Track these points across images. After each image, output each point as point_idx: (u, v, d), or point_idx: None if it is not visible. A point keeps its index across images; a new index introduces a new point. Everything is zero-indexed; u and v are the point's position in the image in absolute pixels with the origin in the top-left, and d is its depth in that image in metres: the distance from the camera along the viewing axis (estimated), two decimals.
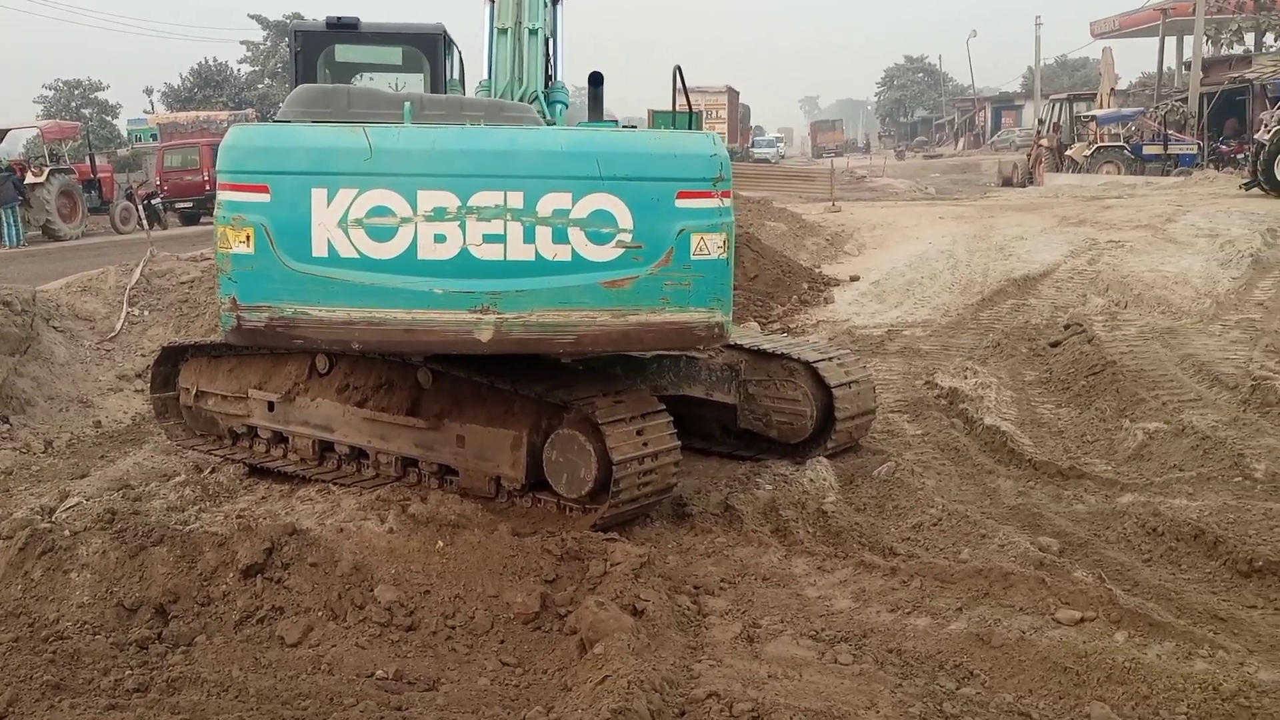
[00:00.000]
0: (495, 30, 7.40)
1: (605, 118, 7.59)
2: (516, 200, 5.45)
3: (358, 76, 8.80)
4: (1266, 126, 24.80)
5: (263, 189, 5.50)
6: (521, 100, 7.19)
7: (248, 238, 5.50)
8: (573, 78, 8.13)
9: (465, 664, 4.84)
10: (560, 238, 5.49)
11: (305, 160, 5.49)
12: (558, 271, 5.51)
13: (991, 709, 4.25)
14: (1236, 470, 6.91)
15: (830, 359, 7.62)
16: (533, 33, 7.35)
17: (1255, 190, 23.56)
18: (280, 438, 7.51)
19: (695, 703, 4.20)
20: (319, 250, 5.50)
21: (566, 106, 7.70)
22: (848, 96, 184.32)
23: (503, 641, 5.01)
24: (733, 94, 61.86)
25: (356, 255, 5.48)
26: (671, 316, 5.63)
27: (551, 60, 8.00)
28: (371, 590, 5.24)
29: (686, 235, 5.55)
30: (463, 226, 5.45)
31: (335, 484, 7.01)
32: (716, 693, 4.22)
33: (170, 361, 8.01)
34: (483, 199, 5.45)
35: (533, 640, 5.02)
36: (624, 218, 5.52)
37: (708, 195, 5.59)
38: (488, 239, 5.46)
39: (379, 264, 5.48)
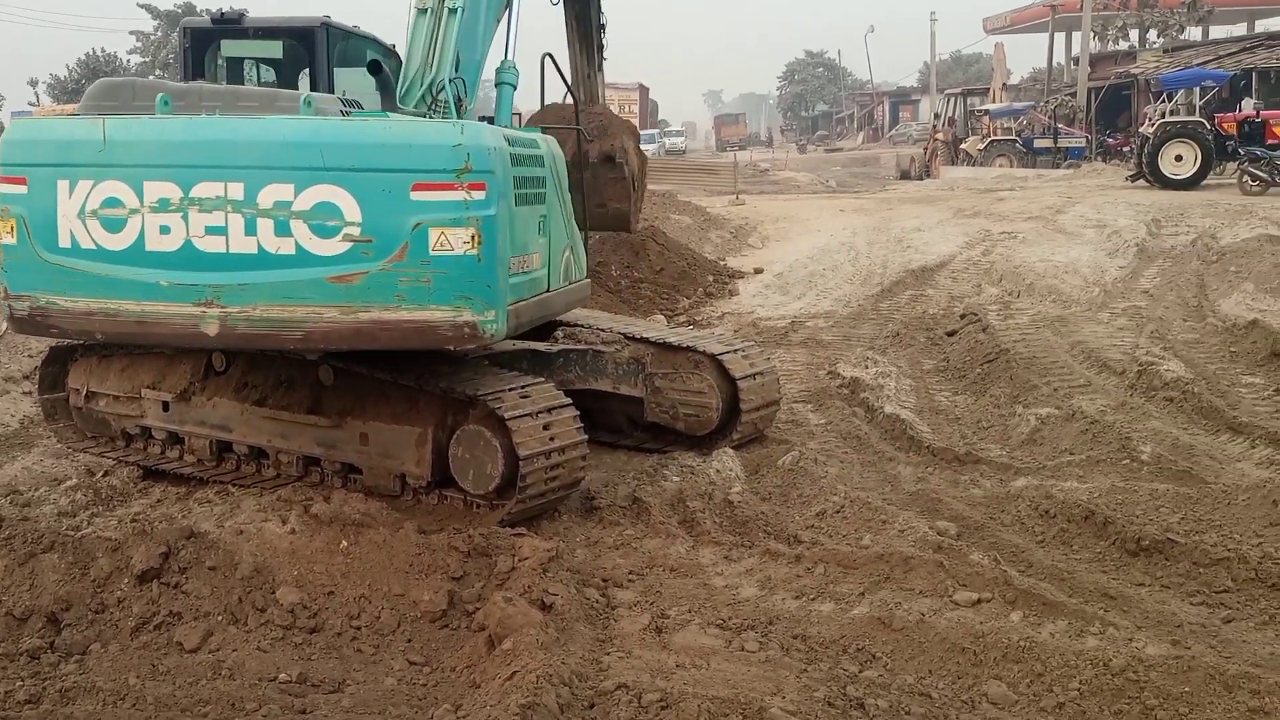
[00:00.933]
0: (415, 9, 7.18)
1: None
2: (237, 191, 5.40)
3: (247, 69, 8.62)
4: (1150, 120, 25.71)
5: (21, 181, 5.61)
6: (430, 87, 7.02)
7: (12, 229, 5.61)
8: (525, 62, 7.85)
9: (371, 664, 4.78)
10: (283, 230, 5.40)
11: (53, 153, 5.57)
12: (281, 265, 5.43)
13: (894, 690, 4.35)
14: (1124, 453, 7.17)
15: (735, 351, 7.71)
16: (452, 12, 7.09)
17: (1140, 182, 24.43)
18: (176, 438, 7.32)
19: (604, 695, 4.21)
20: (64, 241, 5.59)
21: (514, 88, 7.44)
22: (750, 90, 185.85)
23: (410, 640, 4.97)
24: (643, 90, 62.29)
25: (94, 246, 5.56)
26: (409, 315, 5.48)
27: (509, 40, 7.79)
28: (273, 592, 5.15)
29: (424, 229, 5.40)
30: (186, 218, 5.45)
31: (234, 485, 6.85)
32: (625, 684, 4.24)
33: (59, 361, 7.72)
34: (204, 190, 5.43)
35: (440, 638, 4.98)
36: (351, 210, 5.39)
37: (449, 188, 5.43)
38: (210, 231, 5.44)
39: (112, 255, 5.55)
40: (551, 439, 6.06)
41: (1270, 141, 24.02)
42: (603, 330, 7.91)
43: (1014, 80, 53.75)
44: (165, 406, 7.24)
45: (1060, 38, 53.35)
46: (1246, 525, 5.85)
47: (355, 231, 5.40)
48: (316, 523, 5.78)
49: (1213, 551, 5.50)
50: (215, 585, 5.16)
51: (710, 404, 7.45)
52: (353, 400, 6.66)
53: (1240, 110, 26.57)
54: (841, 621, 4.90)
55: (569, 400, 6.41)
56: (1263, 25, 48.95)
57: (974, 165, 37.05)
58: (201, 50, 8.19)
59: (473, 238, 5.45)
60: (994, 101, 42.33)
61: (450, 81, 6.90)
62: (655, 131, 60.78)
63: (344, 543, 5.47)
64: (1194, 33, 48.42)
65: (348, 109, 6.14)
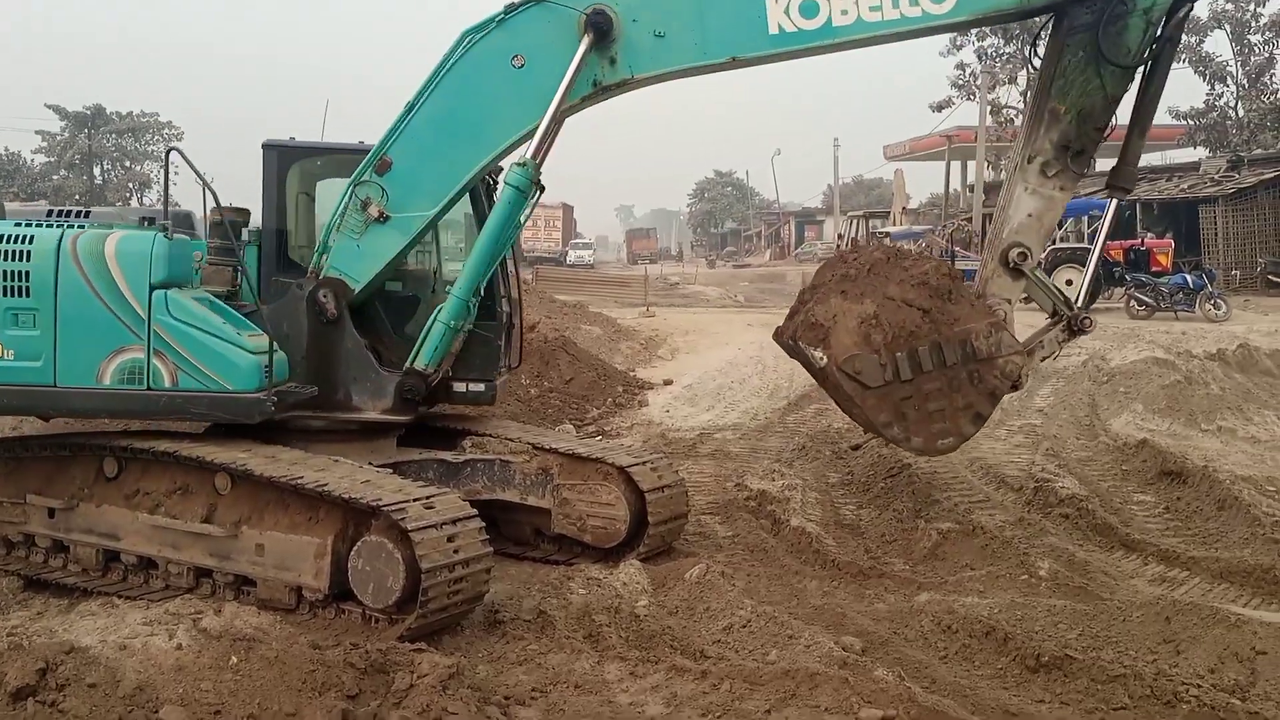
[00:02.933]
0: None
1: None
2: None
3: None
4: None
5: None
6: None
7: None
8: None
9: None
10: None
11: None
12: None
13: None
14: (1023, 569, 7.29)
15: (644, 464, 7.70)
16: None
17: (1033, 304, 25.36)
18: (61, 546, 7.01)
19: None
20: None
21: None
22: (661, 206, 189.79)
23: None
24: (567, 208, 63.49)
25: None
26: None
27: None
28: (156, 712, 4.89)
29: None
30: None
31: (120, 596, 6.57)
32: None
33: None
34: None
35: None
36: None
37: None
38: None
39: None
40: (455, 551, 5.95)
41: (1154, 269, 25.23)
42: (511, 440, 7.84)
43: (913, 204, 55.83)
44: (50, 513, 7.00)
45: (956, 166, 55.81)
46: (1141, 642, 5.97)
47: None
48: (206, 637, 5.53)
49: (1109, 668, 5.58)
50: (95, 704, 4.88)
51: (619, 516, 7.41)
52: (250, 509, 6.50)
53: (1128, 239, 27.90)
54: None
55: (474, 511, 6.32)
56: (1144, 160, 51.87)
57: None
58: None
59: None
60: (894, 224, 43.91)
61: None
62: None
63: (234, 659, 5.25)
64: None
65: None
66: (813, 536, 8.14)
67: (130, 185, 72.24)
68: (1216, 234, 33.09)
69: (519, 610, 6.59)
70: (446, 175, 7.40)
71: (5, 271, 6.75)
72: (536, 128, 7.20)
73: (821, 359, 7.16)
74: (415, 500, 6.11)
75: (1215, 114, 48.81)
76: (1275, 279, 31.14)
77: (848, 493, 10.03)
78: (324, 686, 5.12)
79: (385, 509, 5.94)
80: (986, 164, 47.60)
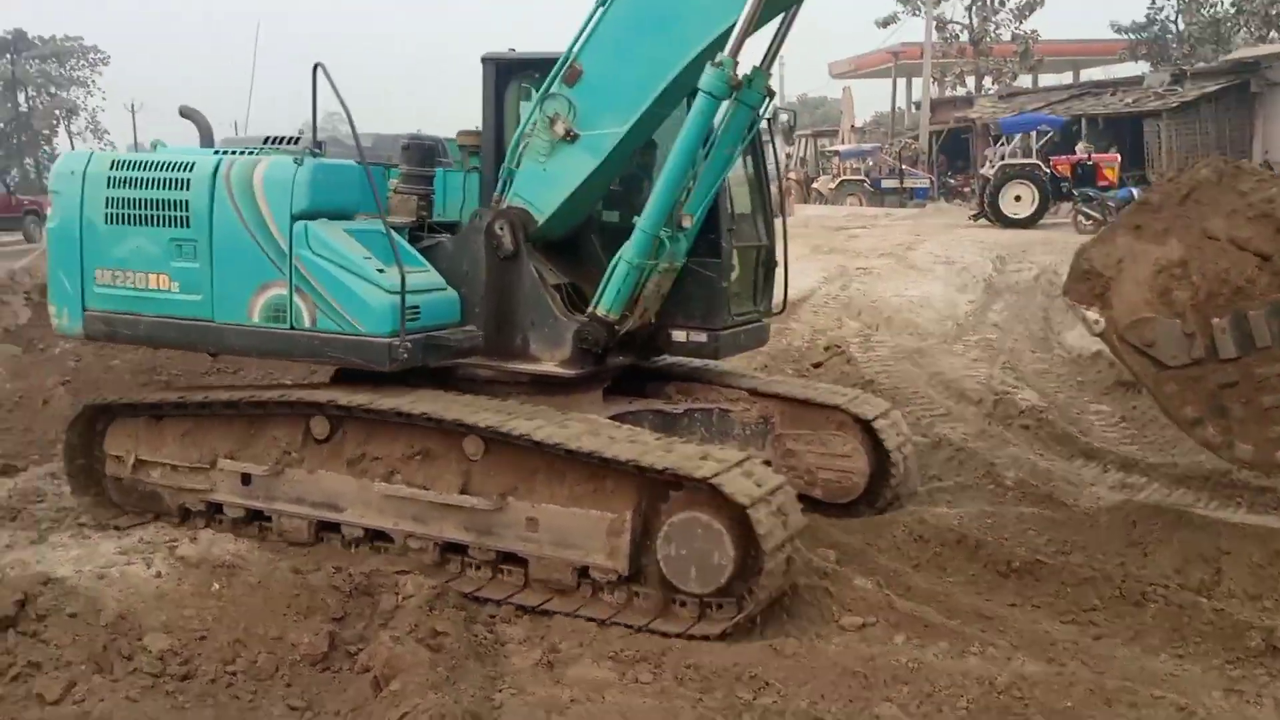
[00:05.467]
0: None
1: None
2: None
3: None
4: (991, 163, 26.96)
5: None
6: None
7: None
8: None
9: (249, 711, 4.57)
10: None
11: None
12: None
13: (788, 715, 4.38)
14: (989, 478, 7.44)
15: (884, 415, 6.98)
16: None
17: (982, 221, 25.52)
18: (257, 516, 6.38)
19: None
20: None
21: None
22: None
23: (289, 685, 4.77)
24: None
25: None
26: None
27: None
28: (140, 639, 4.88)
29: None
30: None
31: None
32: None
33: (90, 424, 6.87)
34: None
35: (322, 682, 4.80)
36: None
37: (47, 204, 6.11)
38: None
39: None
40: (786, 524, 5.17)
41: (1101, 183, 25.42)
42: (727, 387, 7.13)
43: (860, 123, 55.72)
44: (245, 479, 6.38)
45: (902, 83, 55.65)
46: (1108, 545, 6.13)
47: None
48: (185, 565, 5.51)
49: (1079, 571, 5.74)
50: (77, 633, 4.85)
51: (856, 469, 6.75)
52: (513, 478, 5.73)
53: (1074, 154, 28.09)
54: (734, 650, 4.92)
55: (783, 476, 5.66)
56: (1086, 74, 51.99)
57: (826, 204, 38.16)
58: None
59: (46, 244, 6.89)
60: (843, 143, 43.77)
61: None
62: None
63: (216, 585, 5.23)
64: (1025, 80, 51.05)
65: None
66: None
67: (56, 112, 69.92)
68: (1160, 148, 33.43)
69: None
70: (643, 82, 6.09)
71: (169, 200, 6.34)
72: (738, 18, 5.91)
73: (1098, 323, 5.58)
74: (734, 467, 5.26)
75: (1156, 27, 49.00)
76: None
77: None
78: (309, 610, 5.12)
79: (712, 481, 5.05)
80: (933, 80, 47.54)
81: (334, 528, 6.14)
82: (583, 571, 5.47)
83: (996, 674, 4.51)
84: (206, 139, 7.16)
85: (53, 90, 71.10)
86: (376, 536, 6.03)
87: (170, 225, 6.34)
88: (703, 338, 6.71)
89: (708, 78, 5.89)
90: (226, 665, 4.83)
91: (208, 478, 6.46)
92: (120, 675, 4.68)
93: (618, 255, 6.16)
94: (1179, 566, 5.81)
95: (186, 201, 6.28)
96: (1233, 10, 44.21)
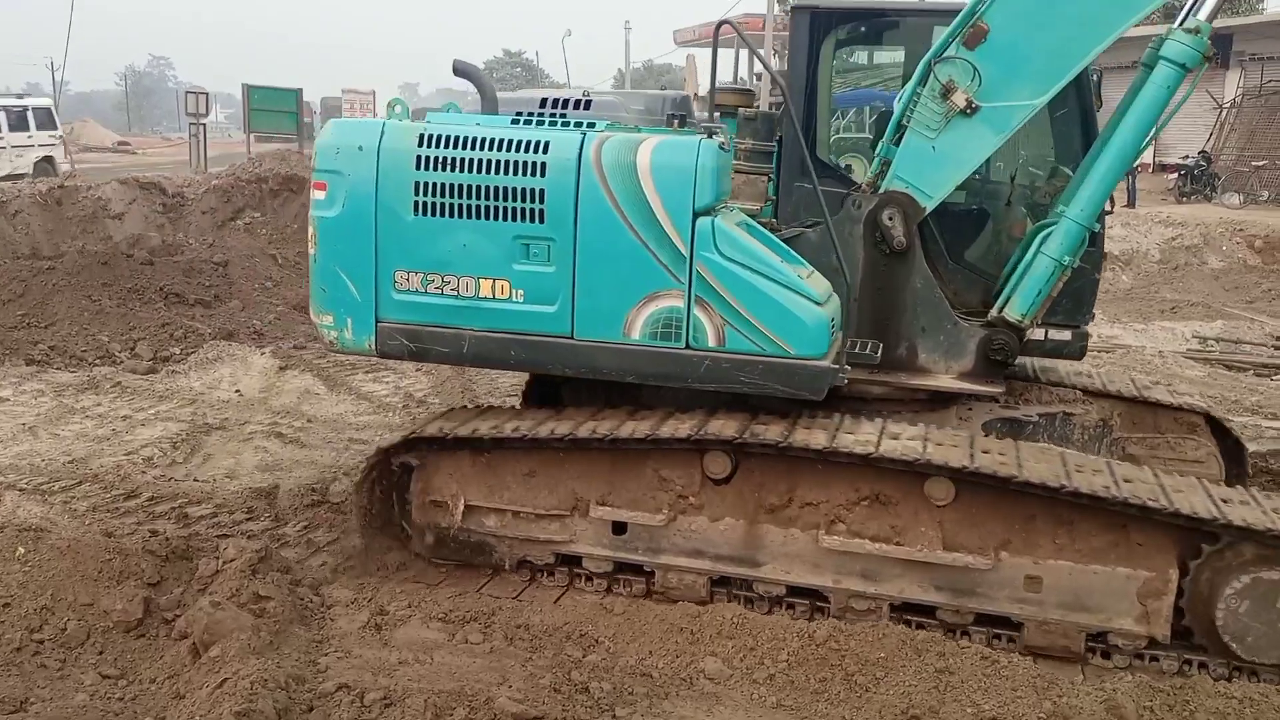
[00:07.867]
0: None
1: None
2: None
3: None
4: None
5: None
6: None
7: None
8: None
9: (58, 680, 4.36)
10: None
11: None
12: None
13: (617, 672, 4.47)
14: None
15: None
16: None
17: None
18: (625, 569, 5.35)
19: (324, 697, 4.06)
20: None
21: None
22: (447, 86, 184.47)
23: (101, 653, 4.57)
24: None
25: None
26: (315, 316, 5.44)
27: None
28: None
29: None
30: None
31: None
32: (346, 684, 4.11)
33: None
34: None
35: (137, 649, 4.62)
36: None
37: (318, 186, 5.18)
38: None
39: None
40: None
41: None
42: (1062, 387, 6.25)
43: (703, 92, 56.24)
44: (619, 529, 5.30)
45: (744, 53, 56.45)
46: None
47: None
48: None
49: None
50: None
51: (1211, 474, 5.80)
52: (1002, 528, 4.87)
53: None
54: (564, 609, 4.98)
55: None
56: None
57: None
58: None
59: (311, 237, 5.29)
60: None
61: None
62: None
63: (20, 549, 4.95)
64: (861, 56, 52.57)
65: None
66: None
67: None
68: None
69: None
70: (1069, 46, 5.26)
71: (516, 189, 5.04)
72: None
73: None
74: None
75: None
76: None
77: None
78: (122, 575, 4.92)
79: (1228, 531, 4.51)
80: (774, 52, 48.38)
81: (729, 581, 5.22)
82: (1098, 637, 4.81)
83: (816, 628, 4.69)
84: (490, 104, 5.62)
85: None
86: (796, 593, 5.12)
87: (516, 219, 5.07)
88: (1066, 335, 5.92)
89: (1177, 46, 5.17)
90: (32, 633, 4.59)
91: (565, 526, 5.40)
92: None
93: (1034, 250, 5.39)
94: None
95: (541, 191, 5.01)
96: None
